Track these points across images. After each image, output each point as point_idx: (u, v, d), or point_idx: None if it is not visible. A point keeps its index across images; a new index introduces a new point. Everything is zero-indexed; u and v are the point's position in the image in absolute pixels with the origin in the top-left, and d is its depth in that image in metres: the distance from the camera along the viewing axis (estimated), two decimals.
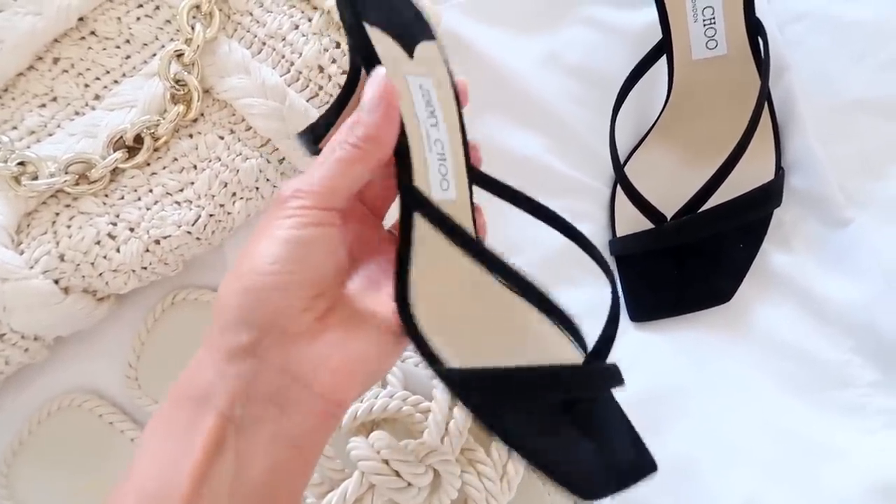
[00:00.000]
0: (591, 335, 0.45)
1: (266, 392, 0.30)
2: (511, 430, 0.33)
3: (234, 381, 0.30)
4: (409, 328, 0.32)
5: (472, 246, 0.34)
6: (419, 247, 0.33)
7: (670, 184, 0.49)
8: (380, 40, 0.35)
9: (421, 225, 0.34)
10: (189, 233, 0.46)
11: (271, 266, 0.30)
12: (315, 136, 0.38)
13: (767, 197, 0.48)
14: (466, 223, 0.37)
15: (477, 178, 0.37)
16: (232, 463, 0.29)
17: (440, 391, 0.43)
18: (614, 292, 0.37)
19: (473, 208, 0.37)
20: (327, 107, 0.48)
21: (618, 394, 0.37)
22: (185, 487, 0.28)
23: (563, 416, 0.35)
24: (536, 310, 0.37)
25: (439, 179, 0.35)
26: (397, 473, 0.39)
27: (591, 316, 0.46)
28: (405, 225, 0.34)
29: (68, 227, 0.45)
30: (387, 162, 0.33)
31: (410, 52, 0.36)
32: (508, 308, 0.37)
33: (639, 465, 0.36)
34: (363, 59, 0.34)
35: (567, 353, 0.37)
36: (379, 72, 0.33)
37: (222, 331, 0.30)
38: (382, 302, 0.33)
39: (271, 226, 0.31)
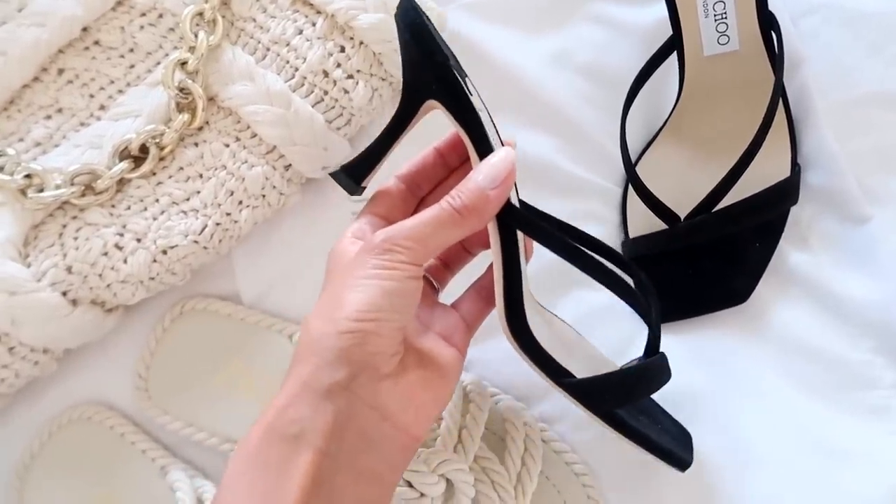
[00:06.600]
0: (607, 338, 0.45)
1: (357, 427, 0.32)
2: (632, 426, 0.37)
3: (330, 416, 0.31)
4: (530, 349, 0.36)
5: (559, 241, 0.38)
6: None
7: (683, 183, 0.49)
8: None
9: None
10: (196, 242, 0.45)
11: (374, 314, 0.32)
12: (356, 175, 0.38)
13: (783, 195, 0.47)
14: None
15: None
16: (327, 498, 0.30)
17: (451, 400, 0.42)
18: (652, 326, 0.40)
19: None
20: (347, 125, 0.48)
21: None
22: None
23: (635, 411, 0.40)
24: None
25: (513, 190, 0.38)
26: (410, 484, 0.39)
27: (608, 317, 0.46)
28: (510, 247, 0.36)
29: (75, 238, 0.45)
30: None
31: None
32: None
33: (687, 437, 0.43)
34: (444, 87, 0.35)
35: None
36: (509, 149, 0.35)
37: (319, 368, 0.32)
38: (433, 341, 0.36)
39: (366, 273, 0.33)
